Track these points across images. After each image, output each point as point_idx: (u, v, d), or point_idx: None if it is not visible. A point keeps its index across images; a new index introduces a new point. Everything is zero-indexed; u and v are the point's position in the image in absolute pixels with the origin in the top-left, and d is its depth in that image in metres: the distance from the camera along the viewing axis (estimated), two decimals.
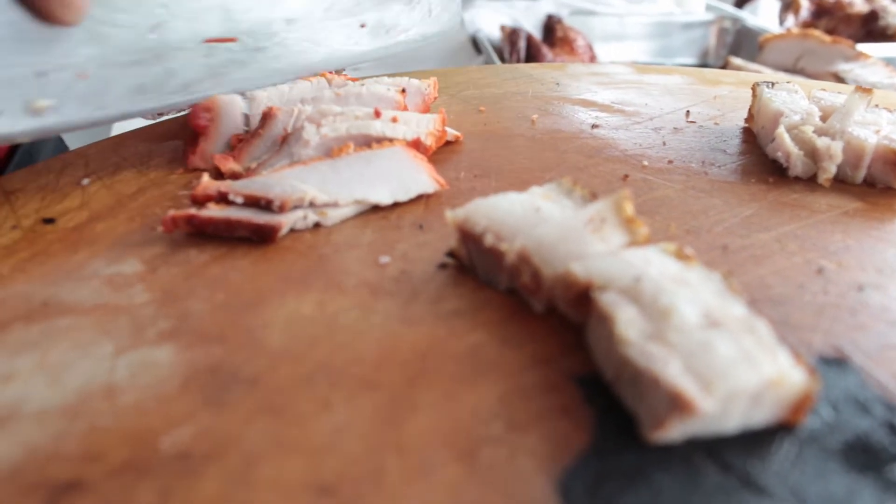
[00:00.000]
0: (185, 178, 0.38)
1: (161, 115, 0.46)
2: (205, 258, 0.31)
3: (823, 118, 0.39)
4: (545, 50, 1.03)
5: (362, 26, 0.46)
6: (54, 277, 0.30)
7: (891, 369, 0.24)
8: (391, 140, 0.37)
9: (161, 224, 0.32)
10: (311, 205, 0.33)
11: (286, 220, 0.32)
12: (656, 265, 0.25)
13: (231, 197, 0.32)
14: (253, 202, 0.32)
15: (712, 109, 0.48)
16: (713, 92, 0.52)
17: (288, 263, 0.30)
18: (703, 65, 1.16)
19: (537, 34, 1.10)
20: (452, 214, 0.28)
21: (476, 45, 1.06)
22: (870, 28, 1.02)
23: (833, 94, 0.42)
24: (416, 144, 0.38)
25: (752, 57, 1.03)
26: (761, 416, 0.21)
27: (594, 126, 0.45)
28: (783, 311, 0.27)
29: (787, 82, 0.44)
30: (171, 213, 0.32)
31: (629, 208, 0.27)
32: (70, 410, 0.23)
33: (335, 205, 0.33)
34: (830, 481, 0.20)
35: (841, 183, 0.37)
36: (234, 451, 0.21)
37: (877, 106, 0.40)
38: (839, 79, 0.86)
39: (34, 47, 0.32)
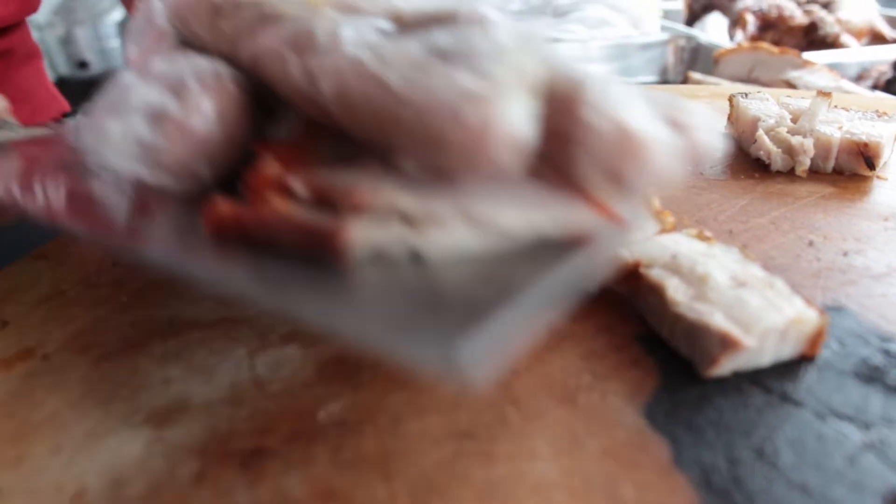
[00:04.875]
0: None
1: None
2: None
3: (793, 120, 0.46)
4: None
5: None
6: (169, 301, 0.34)
7: (878, 311, 0.30)
8: None
9: None
10: None
11: None
12: (685, 245, 0.31)
13: None
14: None
15: None
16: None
17: None
18: (664, 81, 1.25)
19: None
20: None
21: None
22: (811, 38, 1.13)
23: (798, 100, 0.49)
24: None
25: (709, 70, 1.12)
26: (788, 349, 0.27)
27: None
28: (787, 276, 0.33)
29: (758, 92, 0.51)
30: None
31: (656, 203, 0.33)
32: (230, 400, 0.27)
33: None
34: (848, 392, 0.26)
35: (815, 173, 0.44)
36: (381, 415, 0.26)
37: (836, 107, 0.48)
38: (791, 85, 0.95)
39: None
